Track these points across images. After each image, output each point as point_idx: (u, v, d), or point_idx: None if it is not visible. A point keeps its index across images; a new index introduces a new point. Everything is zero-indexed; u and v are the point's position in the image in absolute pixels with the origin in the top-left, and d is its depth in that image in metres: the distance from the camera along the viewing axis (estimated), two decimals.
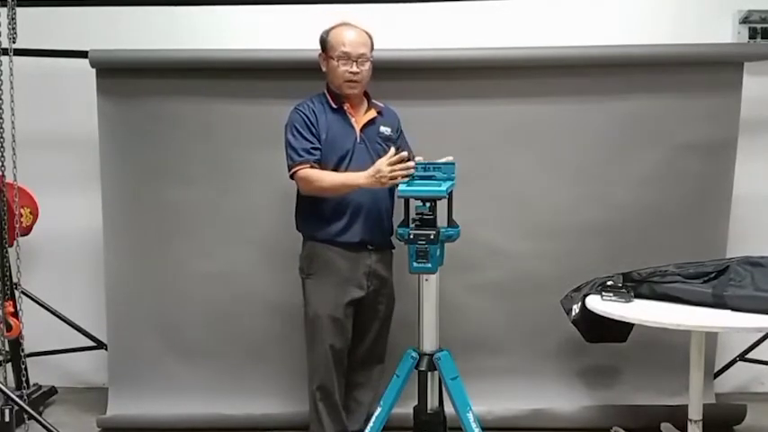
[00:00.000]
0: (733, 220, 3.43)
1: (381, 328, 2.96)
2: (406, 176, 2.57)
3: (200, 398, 3.43)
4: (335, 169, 2.76)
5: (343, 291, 2.80)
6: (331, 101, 2.83)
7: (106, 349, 3.58)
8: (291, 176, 2.77)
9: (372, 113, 2.87)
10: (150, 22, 3.65)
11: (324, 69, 2.83)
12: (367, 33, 2.81)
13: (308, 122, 2.76)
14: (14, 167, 3.23)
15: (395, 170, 2.58)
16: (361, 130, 2.83)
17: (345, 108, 2.83)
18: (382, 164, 2.60)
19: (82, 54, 3.36)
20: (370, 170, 2.64)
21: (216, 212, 3.44)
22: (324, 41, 2.82)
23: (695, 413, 2.78)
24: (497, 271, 3.43)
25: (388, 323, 2.98)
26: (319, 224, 2.81)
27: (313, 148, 2.74)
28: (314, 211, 2.81)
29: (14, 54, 3.17)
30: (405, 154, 2.64)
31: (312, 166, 2.73)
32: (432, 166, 2.60)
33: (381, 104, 2.94)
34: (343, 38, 2.76)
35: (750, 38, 3.62)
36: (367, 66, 2.78)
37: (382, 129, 2.87)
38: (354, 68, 2.75)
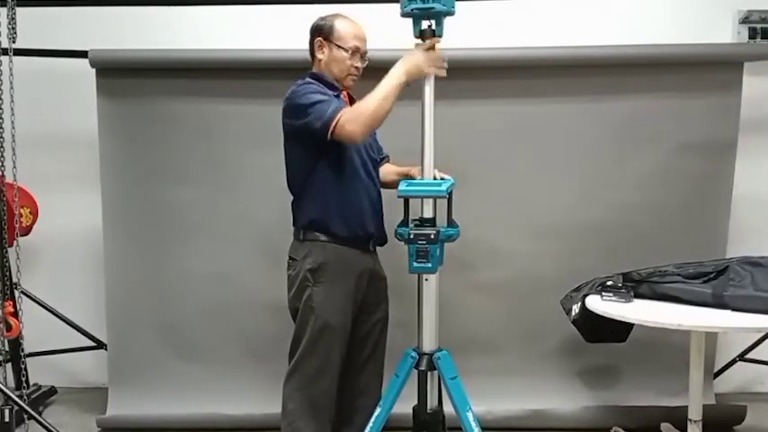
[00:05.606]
0: (733, 220, 3.43)
1: (383, 331, 2.88)
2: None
3: (200, 398, 3.43)
4: (342, 154, 2.62)
5: (353, 296, 2.70)
6: (328, 89, 2.67)
7: (106, 349, 3.58)
8: (332, 132, 2.48)
9: None
10: (150, 22, 3.66)
11: (320, 57, 2.71)
12: None
13: (323, 90, 2.60)
14: (14, 167, 3.23)
15: (433, 58, 2.50)
16: None
17: (342, 96, 2.74)
18: (418, 52, 2.51)
19: (82, 54, 3.36)
20: (407, 61, 2.50)
21: (216, 212, 3.44)
22: (329, 29, 2.69)
23: (695, 413, 2.78)
24: (497, 271, 3.43)
25: (387, 324, 2.90)
26: (332, 221, 2.64)
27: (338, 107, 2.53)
28: (325, 208, 2.63)
29: (14, 54, 3.18)
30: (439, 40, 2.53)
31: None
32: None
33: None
34: (356, 31, 2.71)
35: (750, 38, 3.63)
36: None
37: None
38: (359, 64, 2.73)
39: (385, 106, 2.51)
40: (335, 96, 2.68)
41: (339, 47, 2.69)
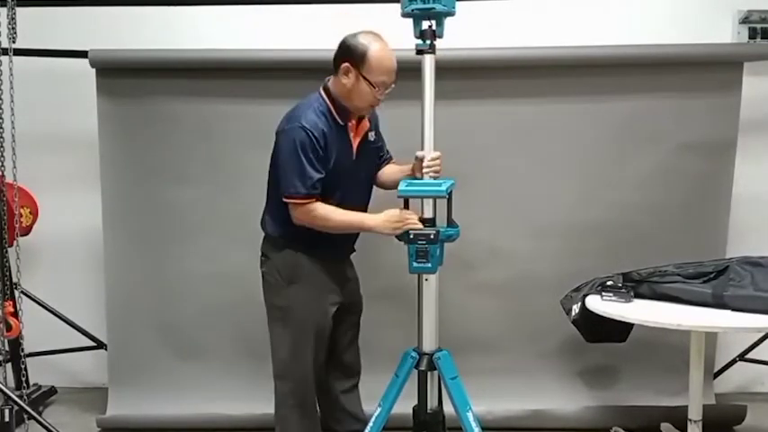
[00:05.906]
0: (733, 220, 3.43)
1: (357, 332, 2.93)
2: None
3: (200, 398, 3.44)
4: (330, 189, 2.59)
5: (327, 298, 2.73)
6: (338, 117, 2.60)
7: (106, 349, 3.58)
8: (288, 203, 2.57)
9: (366, 125, 2.72)
10: (150, 22, 3.65)
11: (344, 81, 2.55)
12: None
13: (320, 148, 2.52)
14: (14, 167, 3.23)
15: (409, 221, 2.53)
16: (358, 147, 2.70)
17: (349, 125, 2.66)
18: (398, 215, 2.54)
19: (82, 54, 3.36)
20: (387, 218, 2.55)
21: (216, 212, 3.44)
22: (361, 58, 2.51)
23: (695, 413, 2.78)
24: (497, 271, 3.43)
25: (359, 324, 2.94)
26: (307, 242, 2.65)
27: (319, 181, 2.54)
28: (305, 231, 2.61)
29: (14, 54, 3.18)
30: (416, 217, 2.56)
31: (317, 200, 2.56)
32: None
33: None
34: (388, 65, 2.54)
35: (750, 38, 3.62)
36: None
37: (370, 137, 2.76)
38: (382, 97, 2.60)
39: (332, 230, 2.60)
40: (342, 126, 2.62)
41: (366, 79, 2.53)
